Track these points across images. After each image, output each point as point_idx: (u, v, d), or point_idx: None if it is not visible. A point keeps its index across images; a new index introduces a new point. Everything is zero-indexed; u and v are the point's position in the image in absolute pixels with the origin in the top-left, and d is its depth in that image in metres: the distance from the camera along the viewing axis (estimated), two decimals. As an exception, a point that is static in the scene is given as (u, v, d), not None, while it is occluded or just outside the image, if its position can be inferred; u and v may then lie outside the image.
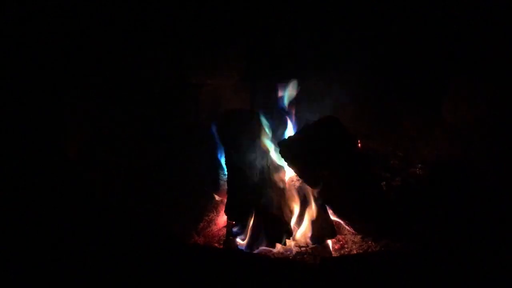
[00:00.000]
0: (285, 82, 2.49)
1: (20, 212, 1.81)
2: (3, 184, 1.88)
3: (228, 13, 2.89)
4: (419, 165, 2.57)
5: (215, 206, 2.28)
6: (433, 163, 2.55)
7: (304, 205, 2.11)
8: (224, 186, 2.25)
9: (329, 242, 2.07)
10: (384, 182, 2.44)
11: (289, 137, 2.18)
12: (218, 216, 2.26)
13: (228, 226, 2.15)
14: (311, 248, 2.03)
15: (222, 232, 2.23)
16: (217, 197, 2.33)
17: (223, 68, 2.91)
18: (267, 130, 2.37)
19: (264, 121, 2.37)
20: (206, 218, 2.22)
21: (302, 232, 2.07)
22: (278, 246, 1.99)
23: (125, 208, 2.19)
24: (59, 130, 2.20)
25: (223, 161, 2.26)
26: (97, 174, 2.32)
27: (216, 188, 2.30)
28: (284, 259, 1.94)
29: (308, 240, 2.05)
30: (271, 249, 1.97)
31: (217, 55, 2.89)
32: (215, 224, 2.24)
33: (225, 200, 2.16)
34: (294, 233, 2.03)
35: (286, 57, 2.94)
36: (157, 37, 2.72)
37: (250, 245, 1.96)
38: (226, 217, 2.16)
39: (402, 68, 2.73)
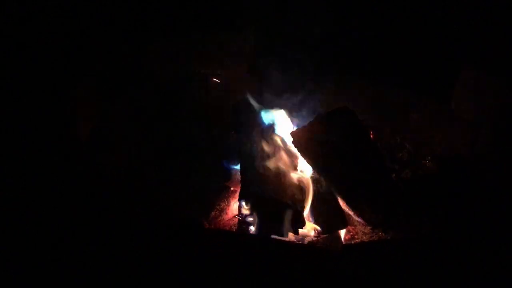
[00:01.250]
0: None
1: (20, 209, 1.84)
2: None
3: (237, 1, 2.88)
4: (429, 157, 2.58)
5: (226, 196, 2.28)
6: (442, 155, 2.56)
7: (316, 195, 2.11)
8: (236, 175, 2.25)
9: (340, 232, 2.09)
10: (394, 174, 2.45)
11: (302, 127, 2.18)
12: (229, 205, 2.26)
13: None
14: (323, 238, 2.05)
15: (232, 222, 2.23)
16: (229, 186, 2.32)
17: (232, 58, 2.89)
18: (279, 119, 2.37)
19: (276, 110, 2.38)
20: (218, 207, 2.22)
21: (314, 221, 2.08)
22: (290, 235, 2.00)
23: (136, 198, 2.19)
24: (58, 130, 2.19)
25: (235, 150, 2.26)
26: (105, 160, 2.31)
27: (228, 178, 2.30)
28: (299, 245, 1.95)
29: (320, 230, 2.07)
30: (283, 238, 1.98)
31: (226, 46, 2.87)
32: (226, 214, 2.24)
33: (237, 190, 2.17)
34: (306, 223, 2.04)
35: (296, 47, 2.93)
36: (164, 26, 2.71)
37: (262, 233, 1.97)
38: (237, 206, 2.17)
39: (412, 60, 2.73)
